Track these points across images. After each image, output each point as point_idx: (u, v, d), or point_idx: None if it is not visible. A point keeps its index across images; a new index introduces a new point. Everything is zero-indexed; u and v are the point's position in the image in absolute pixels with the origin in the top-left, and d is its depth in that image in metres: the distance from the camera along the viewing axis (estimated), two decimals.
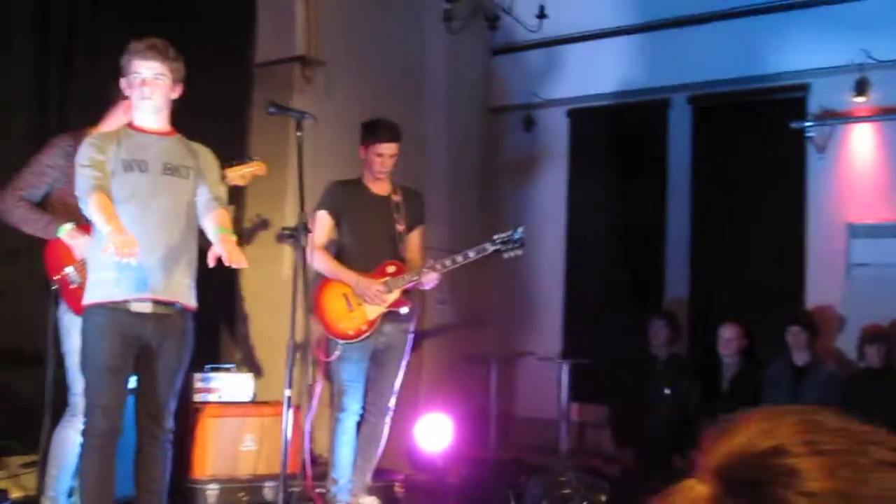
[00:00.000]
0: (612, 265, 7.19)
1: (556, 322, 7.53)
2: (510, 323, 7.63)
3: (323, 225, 4.95)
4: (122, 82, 3.94)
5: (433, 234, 7.06)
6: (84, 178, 3.73)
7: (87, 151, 3.81)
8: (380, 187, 5.03)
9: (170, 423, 4.02)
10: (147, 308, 3.83)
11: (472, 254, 4.92)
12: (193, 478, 5.10)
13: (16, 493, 4.73)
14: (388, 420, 4.99)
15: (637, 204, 7.18)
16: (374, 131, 4.96)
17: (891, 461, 0.87)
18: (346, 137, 6.25)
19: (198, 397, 5.29)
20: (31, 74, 5.72)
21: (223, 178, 4.44)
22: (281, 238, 4.04)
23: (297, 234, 3.90)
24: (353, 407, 4.87)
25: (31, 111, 5.70)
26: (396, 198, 5.06)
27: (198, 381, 5.31)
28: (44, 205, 4.28)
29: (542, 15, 6.77)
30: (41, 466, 4.40)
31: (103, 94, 4.47)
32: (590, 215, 7.40)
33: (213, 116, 6.42)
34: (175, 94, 3.99)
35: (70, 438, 4.08)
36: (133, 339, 3.83)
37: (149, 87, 3.86)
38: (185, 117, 6.45)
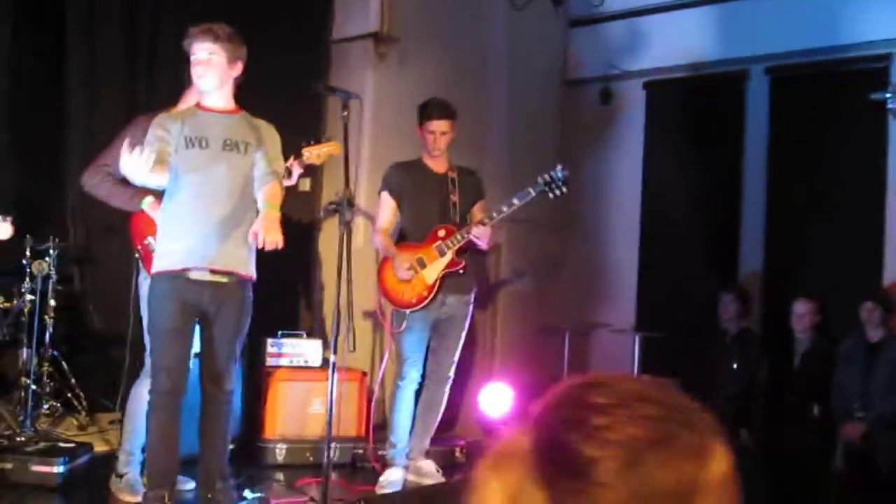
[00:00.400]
0: (687, 239, 7.18)
1: (631, 294, 7.56)
2: (585, 295, 7.70)
3: (386, 207, 5.16)
4: (189, 66, 4.18)
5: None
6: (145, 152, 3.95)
7: (152, 129, 4.09)
8: (437, 165, 5.17)
9: (230, 384, 4.23)
10: (205, 276, 4.04)
11: (516, 200, 5.01)
12: (264, 437, 5.39)
13: (100, 447, 5.10)
14: (446, 388, 5.15)
15: (713, 177, 7.13)
16: (425, 110, 5.12)
17: (693, 449, 0.95)
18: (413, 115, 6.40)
19: (270, 361, 5.57)
20: (122, 57, 6.07)
21: (300, 155, 4.66)
22: (326, 212, 4.20)
23: (340, 209, 4.07)
24: (411, 375, 5.05)
25: (121, 91, 6.05)
26: (452, 174, 5.20)
27: (270, 346, 5.59)
28: (127, 180, 4.57)
29: None
30: (121, 422, 4.75)
31: (182, 75, 4.71)
32: (666, 188, 7.38)
33: (292, 94, 6.67)
34: (234, 73, 4.17)
35: (143, 396, 4.36)
36: (192, 306, 4.06)
37: (202, 66, 4.08)
38: (263, 95, 6.73)
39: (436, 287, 4.99)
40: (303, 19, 6.70)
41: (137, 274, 4.57)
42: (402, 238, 5.18)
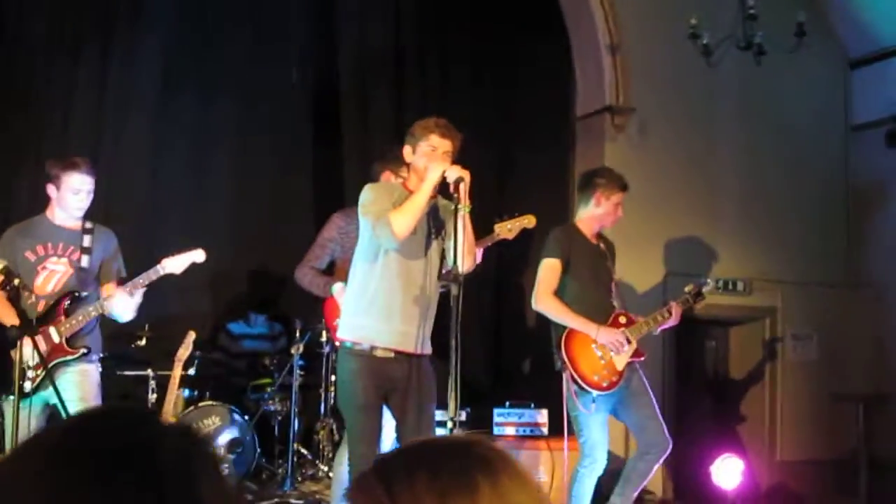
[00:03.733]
0: None
1: None
2: (880, 360, 6.96)
3: (552, 271, 5.01)
4: (406, 149, 4.31)
5: (777, 265, 6.84)
6: (371, 213, 4.20)
7: (384, 190, 4.35)
8: (591, 235, 5.07)
9: None
10: (390, 353, 4.36)
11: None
12: None
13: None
14: (663, 456, 4.97)
15: None
16: (616, 180, 5.02)
17: None
18: (659, 180, 6.45)
19: (496, 430, 5.84)
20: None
21: (491, 231, 4.96)
22: (445, 276, 4.37)
23: (449, 282, 4.21)
24: (596, 455, 4.89)
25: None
26: (602, 246, 5.11)
27: (498, 415, 5.87)
28: (331, 270, 5.22)
29: None
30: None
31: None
32: None
33: (541, 170, 7.02)
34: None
35: (344, 462, 4.86)
36: (382, 380, 4.32)
37: (443, 157, 4.18)
38: (515, 171, 7.16)
39: (623, 374, 4.89)
40: (547, 98, 7.04)
41: (334, 349, 5.14)
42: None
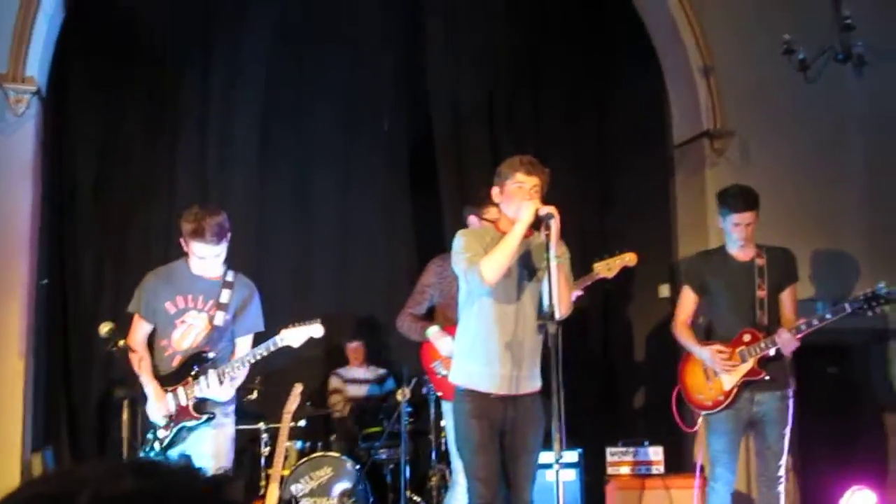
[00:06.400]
0: None
1: None
2: None
3: (685, 299, 5.08)
4: (494, 190, 4.29)
5: None
6: (462, 260, 4.21)
7: (462, 241, 4.30)
8: (743, 253, 4.99)
9: (527, 495, 4.42)
10: (503, 393, 4.31)
11: (829, 315, 4.65)
12: None
13: None
14: (779, 490, 4.83)
15: None
16: (727, 201, 4.96)
17: None
18: (771, 201, 6.21)
19: (610, 470, 5.69)
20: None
21: (591, 270, 4.91)
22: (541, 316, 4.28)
23: (545, 321, 4.14)
24: (724, 477, 4.84)
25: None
26: (760, 261, 4.97)
27: (610, 454, 5.72)
28: (431, 316, 5.24)
29: None
30: None
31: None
32: None
33: (641, 201, 6.89)
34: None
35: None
36: (494, 420, 4.27)
37: (532, 194, 4.12)
38: (616, 204, 7.05)
39: (733, 394, 4.79)
40: (643, 127, 6.93)
41: (432, 394, 5.12)
42: (708, 330, 5.06)
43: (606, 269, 5.04)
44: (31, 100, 5.52)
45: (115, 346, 3.99)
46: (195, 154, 6.77)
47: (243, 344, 4.54)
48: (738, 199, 4.91)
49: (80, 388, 6.30)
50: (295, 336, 4.42)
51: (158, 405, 4.31)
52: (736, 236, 4.92)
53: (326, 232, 7.19)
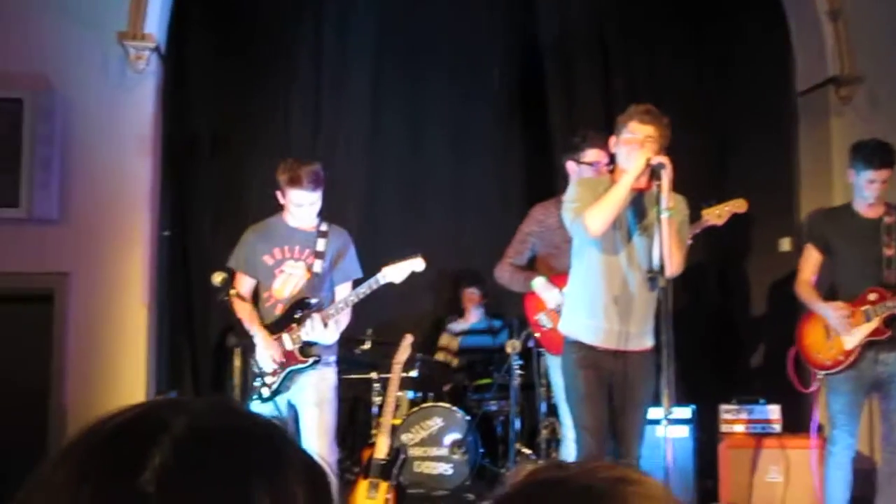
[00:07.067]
0: None
1: None
2: None
3: (808, 258, 4.92)
4: (612, 139, 4.24)
5: None
6: (569, 210, 4.18)
7: (575, 190, 4.27)
8: (871, 210, 4.77)
9: (637, 450, 4.35)
10: (608, 349, 4.23)
11: None
12: None
13: None
14: None
15: None
16: (863, 155, 4.72)
17: None
18: None
19: (724, 427, 5.56)
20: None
21: (699, 218, 4.78)
22: (650, 271, 4.14)
23: (655, 276, 4.03)
24: (843, 440, 4.69)
25: None
26: (889, 220, 4.73)
27: (724, 412, 5.58)
28: (532, 266, 5.15)
29: None
30: None
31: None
32: None
33: (763, 152, 6.66)
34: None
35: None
36: (603, 372, 4.24)
37: (641, 145, 4.04)
38: (736, 155, 6.82)
39: (855, 353, 4.60)
40: (765, 75, 6.65)
41: (538, 348, 5.08)
42: (832, 288, 4.87)
43: (716, 216, 4.86)
44: (150, 56, 5.67)
45: (227, 296, 4.11)
46: (310, 108, 6.87)
47: (342, 291, 4.65)
48: (876, 154, 4.68)
49: (202, 336, 6.53)
50: (396, 272, 4.50)
51: (268, 351, 4.44)
52: (868, 193, 4.70)
53: (438, 185, 7.19)
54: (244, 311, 4.46)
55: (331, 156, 6.74)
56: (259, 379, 4.44)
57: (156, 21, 5.73)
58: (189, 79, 6.57)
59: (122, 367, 5.55)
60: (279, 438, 0.85)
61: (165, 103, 6.00)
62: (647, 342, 4.24)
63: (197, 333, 6.55)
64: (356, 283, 4.64)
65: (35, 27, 5.63)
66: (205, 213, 6.63)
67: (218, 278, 4.24)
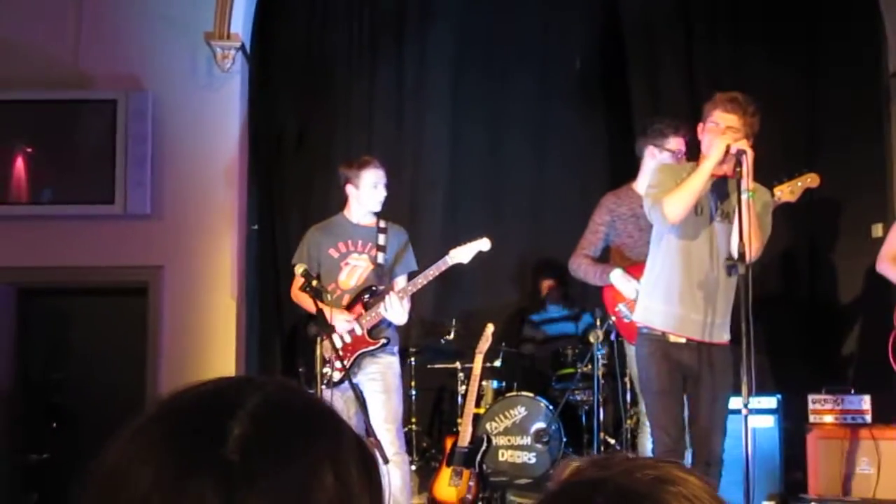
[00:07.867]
0: None
1: None
2: None
3: (893, 234, 4.79)
4: (699, 126, 4.16)
5: None
6: (649, 195, 4.16)
7: (657, 176, 4.24)
8: None
9: (717, 446, 4.18)
10: (681, 339, 4.17)
11: None
12: (802, 496, 5.28)
13: None
14: None
15: None
16: None
17: None
18: None
19: (813, 418, 5.44)
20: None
21: (771, 195, 4.67)
22: (729, 267, 4.05)
23: (735, 264, 3.96)
24: None
25: None
26: None
27: (813, 401, 5.46)
28: (606, 257, 5.10)
29: None
30: None
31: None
32: None
33: (853, 135, 6.49)
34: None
35: (647, 449, 4.76)
36: (677, 365, 4.19)
37: (724, 133, 3.99)
38: (825, 138, 6.64)
39: None
40: (855, 56, 6.45)
41: (619, 339, 5.05)
42: None
43: (789, 192, 4.66)
44: (236, 55, 5.84)
45: (309, 286, 4.23)
46: (393, 104, 6.94)
47: (400, 283, 4.87)
48: None
49: (290, 326, 6.69)
50: (463, 253, 4.70)
51: (342, 316, 4.65)
52: None
53: (519, 174, 7.17)
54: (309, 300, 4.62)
55: (413, 155, 6.83)
56: (328, 365, 4.59)
57: (241, 20, 5.89)
58: (274, 77, 6.72)
59: (214, 357, 5.75)
60: (337, 418, 0.91)
61: (252, 101, 6.17)
62: (726, 335, 4.16)
63: (286, 324, 6.72)
64: (410, 276, 4.87)
65: (126, 31, 5.86)
66: (291, 207, 6.78)
67: (300, 269, 4.44)
